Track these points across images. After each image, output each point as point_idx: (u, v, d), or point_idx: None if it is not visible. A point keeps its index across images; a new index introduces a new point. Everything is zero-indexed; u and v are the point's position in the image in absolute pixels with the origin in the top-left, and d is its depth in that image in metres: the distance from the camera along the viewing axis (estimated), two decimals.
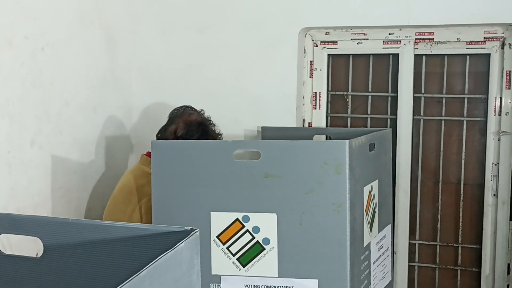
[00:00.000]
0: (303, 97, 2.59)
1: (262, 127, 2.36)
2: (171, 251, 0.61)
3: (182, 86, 2.61)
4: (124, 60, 2.59)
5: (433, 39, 2.43)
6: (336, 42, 2.56)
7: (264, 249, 1.55)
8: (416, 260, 2.59)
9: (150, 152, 1.88)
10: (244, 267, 1.56)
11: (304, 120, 2.61)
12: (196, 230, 0.67)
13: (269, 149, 1.53)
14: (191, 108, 2.13)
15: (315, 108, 2.61)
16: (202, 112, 2.14)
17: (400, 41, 2.46)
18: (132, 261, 0.71)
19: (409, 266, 2.55)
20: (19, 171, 1.92)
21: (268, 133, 2.32)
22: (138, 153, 2.47)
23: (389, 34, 2.47)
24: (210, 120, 2.12)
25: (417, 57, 2.48)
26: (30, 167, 1.97)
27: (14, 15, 1.90)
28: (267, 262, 1.55)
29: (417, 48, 2.46)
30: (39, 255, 0.80)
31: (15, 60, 1.90)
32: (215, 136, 2.09)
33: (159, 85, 2.64)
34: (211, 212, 1.56)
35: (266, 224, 1.54)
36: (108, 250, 0.74)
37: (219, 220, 1.56)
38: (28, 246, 0.90)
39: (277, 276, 1.54)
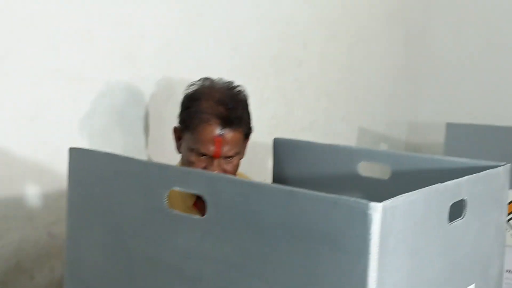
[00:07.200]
0: None
1: None
2: (493, 170, 0.92)
3: (469, 84, 2.83)
4: (417, 55, 2.91)
5: None
6: None
7: None
8: None
9: None
10: None
11: None
12: (509, 164, 0.97)
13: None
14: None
15: None
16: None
17: None
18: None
19: None
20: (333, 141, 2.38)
21: None
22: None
23: None
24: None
25: None
26: (340, 139, 2.42)
27: (337, 13, 2.36)
28: None
29: None
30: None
31: (337, 50, 2.37)
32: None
33: (448, 81, 2.91)
34: None
35: None
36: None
37: None
38: None
39: None
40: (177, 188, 0.73)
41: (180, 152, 1.42)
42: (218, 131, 1.32)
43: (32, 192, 1.43)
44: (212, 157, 1.34)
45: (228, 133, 1.33)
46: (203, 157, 1.34)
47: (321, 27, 2.27)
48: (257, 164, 1.80)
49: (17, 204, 1.40)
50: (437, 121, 2.59)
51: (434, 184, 0.69)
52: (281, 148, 1.33)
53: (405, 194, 0.61)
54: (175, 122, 1.41)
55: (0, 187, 1.37)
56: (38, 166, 1.43)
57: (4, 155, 1.36)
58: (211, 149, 1.32)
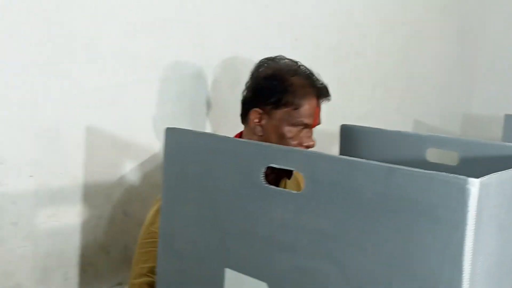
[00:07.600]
0: None
1: None
2: None
3: None
4: (472, 47, 2.91)
5: None
6: None
7: None
8: None
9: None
10: None
11: None
12: None
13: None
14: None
15: None
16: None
17: None
18: None
19: None
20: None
21: None
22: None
23: None
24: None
25: None
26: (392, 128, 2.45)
27: (394, 5, 2.38)
28: None
29: None
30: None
31: (393, 42, 2.39)
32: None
33: (504, 73, 2.90)
34: None
35: None
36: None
37: None
38: None
39: None
40: (274, 165, 0.79)
41: (259, 135, 1.42)
42: (317, 102, 1.43)
43: (110, 172, 1.52)
44: (306, 129, 1.40)
45: (321, 104, 1.45)
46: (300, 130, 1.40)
47: (378, 20, 2.30)
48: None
49: (96, 183, 1.48)
50: (492, 113, 2.59)
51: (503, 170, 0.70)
52: (348, 134, 1.37)
53: (497, 172, 0.65)
54: (239, 107, 1.46)
55: (80, 168, 1.45)
56: (115, 148, 1.51)
57: (84, 138, 1.45)
58: (311, 120, 1.41)
